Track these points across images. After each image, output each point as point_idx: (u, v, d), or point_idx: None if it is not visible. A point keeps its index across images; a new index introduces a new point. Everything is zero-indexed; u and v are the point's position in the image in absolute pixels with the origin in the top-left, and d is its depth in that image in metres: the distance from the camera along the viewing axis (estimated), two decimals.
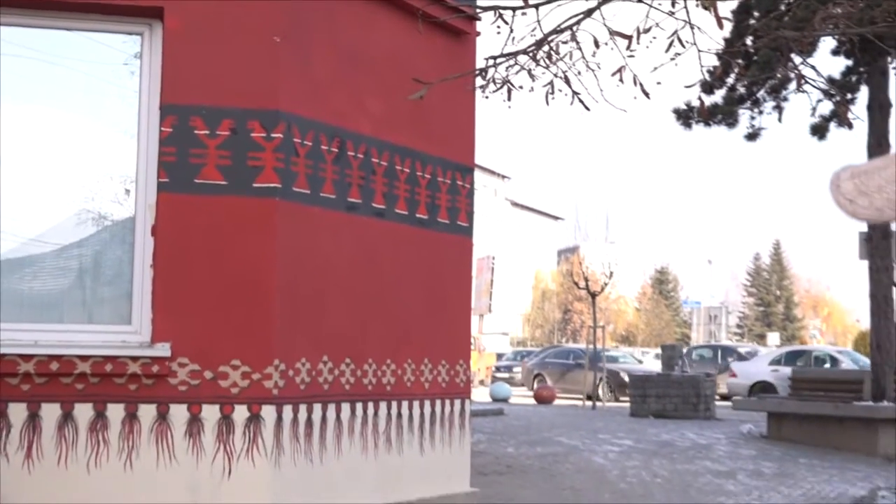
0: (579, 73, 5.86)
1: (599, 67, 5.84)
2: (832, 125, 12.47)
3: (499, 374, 30.61)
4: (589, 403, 19.80)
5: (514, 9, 5.68)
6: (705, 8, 5.14)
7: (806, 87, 6.87)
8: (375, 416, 5.49)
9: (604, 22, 5.39)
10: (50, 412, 4.62)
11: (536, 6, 5.48)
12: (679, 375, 17.32)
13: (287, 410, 4.92)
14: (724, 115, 12.99)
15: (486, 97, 6.21)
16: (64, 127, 5.17)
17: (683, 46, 5.48)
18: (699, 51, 5.50)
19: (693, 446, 11.87)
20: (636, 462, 10.24)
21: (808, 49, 7.91)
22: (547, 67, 5.90)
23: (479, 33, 6.26)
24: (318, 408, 5.11)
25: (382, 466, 5.51)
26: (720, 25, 4.91)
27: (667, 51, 5.52)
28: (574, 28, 5.48)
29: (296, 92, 5.05)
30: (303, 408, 5.02)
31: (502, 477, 8.96)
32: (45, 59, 5.01)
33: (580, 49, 5.76)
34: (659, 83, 5.55)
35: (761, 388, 19.42)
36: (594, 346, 21.40)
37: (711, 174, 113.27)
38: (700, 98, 7.19)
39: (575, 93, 5.76)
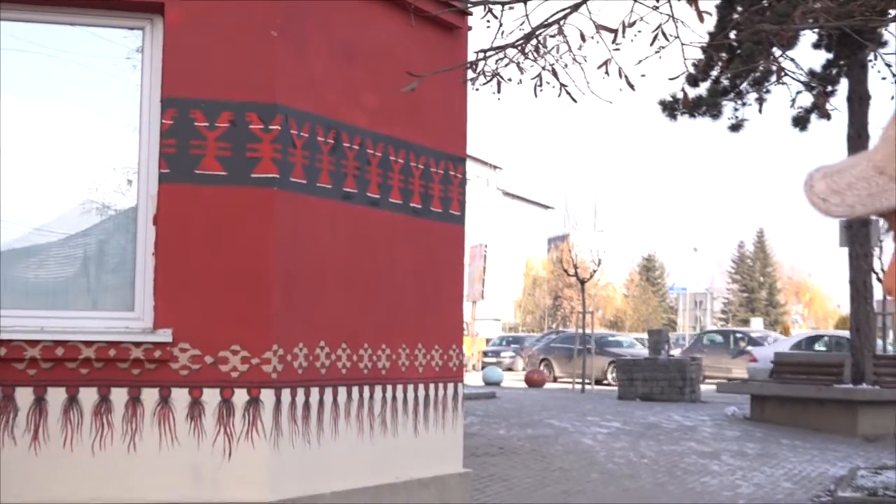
0: (566, 65, 6.00)
1: (586, 60, 5.99)
2: (813, 116, 12.68)
3: (487, 359, 30.85)
4: (589, 387, 20.02)
5: (503, 3, 5.82)
6: (689, 2, 5.28)
7: (787, 79, 7.04)
8: (371, 399, 5.62)
9: (590, 16, 5.53)
10: (56, 396, 4.72)
11: (525, 1, 5.63)
12: (665, 359, 17.55)
13: (285, 394, 5.05)
14: (708, 106, 13.18)
15: (477, 90, 6.34)
16: (68, 120, 5.28)
17: (668, 40, 5.63)
18: (683, 44, 5.65)
19: (679, 428, 12.10)
20: (624, 443, 10.46)
21: (789, 42, 8.08)
22: (535, 60, 6.04)
23: (470, 28, 6.36)
24: (315, 391, 5.23)
25: (378, 448, 5.63)
26: (701, 19, 5.07)
27: (651, 44, 5.67)
28: (561, 22, 5.61)
29: (293, 85, 5.16)
30: (300, 391, 5.15)
31: (494, 458, 9.15)
32: (49, 54, 5.11)
33: (567, 43, 5.91)
34: (644, 76, 5.69)
35: None
36: (583, 331, 21.66)
37: (697, 164, 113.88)
38: (684, 90, 7.33)
39: (562, 85, 5.89)
